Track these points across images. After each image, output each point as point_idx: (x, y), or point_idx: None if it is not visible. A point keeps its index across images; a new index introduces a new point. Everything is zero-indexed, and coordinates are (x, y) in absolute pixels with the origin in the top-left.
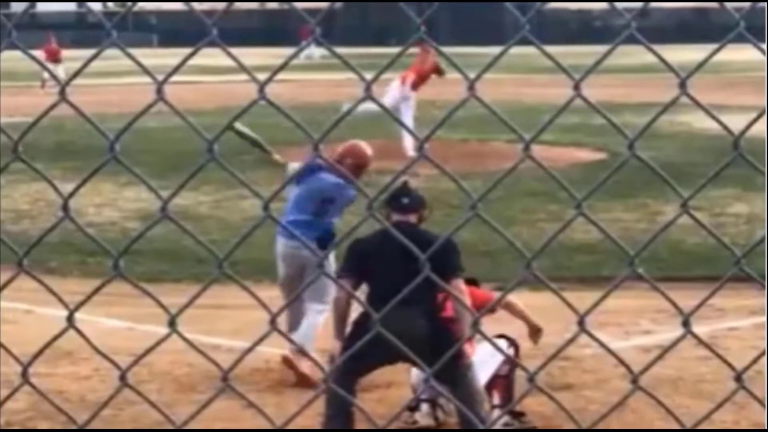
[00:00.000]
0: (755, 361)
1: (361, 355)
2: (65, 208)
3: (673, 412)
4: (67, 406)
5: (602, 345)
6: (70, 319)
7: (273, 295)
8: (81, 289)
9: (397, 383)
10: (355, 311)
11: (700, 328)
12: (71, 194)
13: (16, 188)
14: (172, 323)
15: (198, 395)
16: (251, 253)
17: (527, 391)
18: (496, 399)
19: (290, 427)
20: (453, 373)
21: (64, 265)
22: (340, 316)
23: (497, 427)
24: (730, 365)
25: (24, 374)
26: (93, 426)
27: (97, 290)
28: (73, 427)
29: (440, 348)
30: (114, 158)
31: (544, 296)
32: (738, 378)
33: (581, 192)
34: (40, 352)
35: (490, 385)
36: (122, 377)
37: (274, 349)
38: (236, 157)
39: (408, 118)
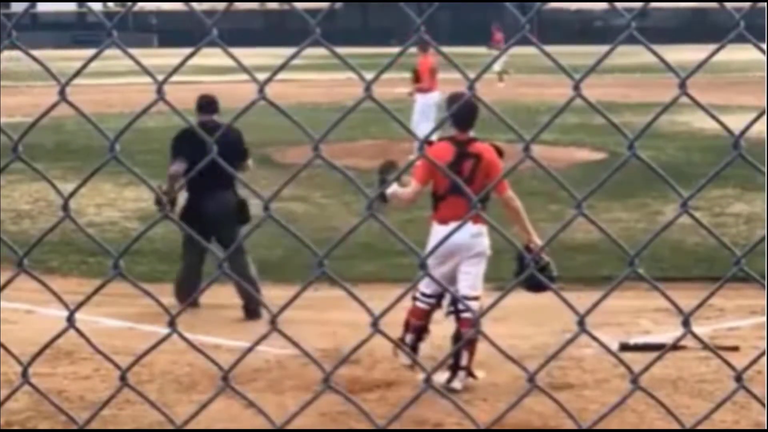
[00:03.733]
0: (755, 361)
1: (193, 226)
2: (65, 208)
3: (673, 412)
4: (67, 406)
5: (602, 345)
6: (70, 319)
7: (273, 295)
8: (81, 289)
9: (397, 383)
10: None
11: (700, 328)
12: (71, 194)
13: (16, 188)
14: (172, 323)
15: (198, 395)
16: (251, 253)
17: (527, 390)
18: (464, 360)
19: (290, 427)
20: (231, 238)
21: (64, 265)
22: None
23: (458, 386)
24: (730, 365)
25: (24, 374)
26: (93, 426)
27: (97, 290)
28: (73, 427)
29: (239, 220)
30: (114, 158)
31: (544, 296)
32: (738, 378)
33: (581, 192)
34: (40, 352)
35: (459, 346)
36: (122, 377)
37: (274, 349)
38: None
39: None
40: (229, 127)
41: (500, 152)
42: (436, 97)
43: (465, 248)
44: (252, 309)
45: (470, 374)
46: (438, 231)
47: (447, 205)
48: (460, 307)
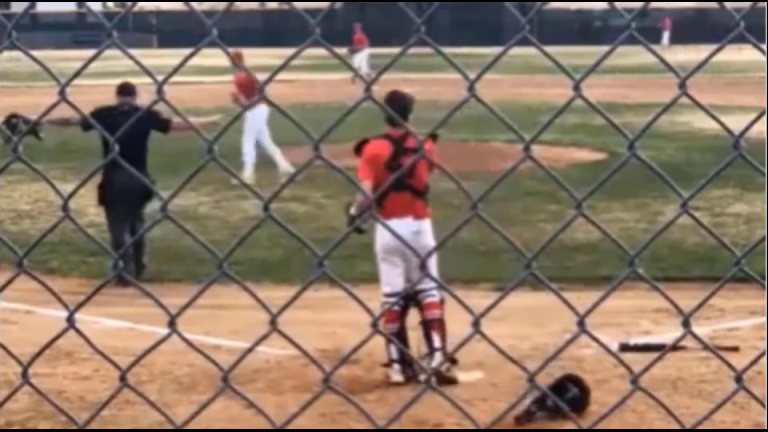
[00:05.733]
0: (755, 361)
1: (112, 204)
2: (65, 208)
3: (673, 412)
4: (67, 406)
5: (602, 345)
6: (70, 319)
7: (273, 295)
8: (81, 289)
9: (397, 383)
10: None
11: (700, 328)
12: (71, 194)
13: (16, 188)
14: (172, 323)
15: (198, 395)
16: (251, 253)
17: (527, 390)
18: (437, 341)
19: (290, 427)
20: (140, 213)
21: (64, 265)
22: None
23: (441, 369)
24: (730, 365)
25: (24, 374)
26: (93, 426)
27: (97, 290)
28: (73, 428)
29: (150, 194)
30: (114, 158)
31: (544, 296)
32: (738, 378)
33: (581, 192)
34: (40, 352)
35: (428, 329)
36: (122, 377)
37: (274, 350)
38: (236, 157)
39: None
40: (144, 111)
41: (435, 138)
42: (264, 113)
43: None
44: (139, 263)
45: (450, 360)
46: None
47: (390, 202)
48: (420, 296)
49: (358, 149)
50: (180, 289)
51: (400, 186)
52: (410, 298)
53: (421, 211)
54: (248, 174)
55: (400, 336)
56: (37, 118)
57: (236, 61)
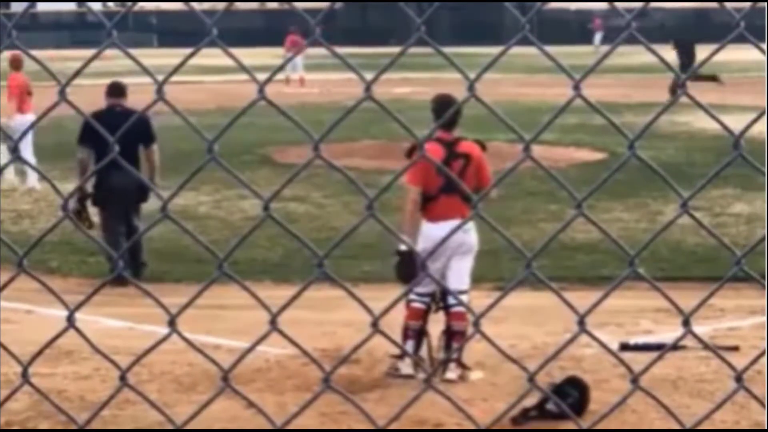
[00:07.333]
0: (755, 360)
1: (108, 204)
2: (65, 208)
3: (673, 412)
4: (67, 406)
5: (602, 345)
6: (70, 319)
7: (273, 295)
8: (81, 289)
9: (397, 383)
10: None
11: (700, 328)
12: (71, 194)
13: (16, 188)
14: (172, 323)
15: (198, 395)
16: (251, 253)
17: (527, 391)
18: (455, 353)
19: (290, 427)
20: (137, 210)
21: (64, 265)
22: (84, 169)
23: (452, 376)
24: (730, 365)
25: (24, 374)
26: (93, 426)
27: (97, 290)
28: (73, 427)
29: (144, 195)
30: (114, 158)
31: (544, 296)
32: (738, 378)
33: (581, 192)
34: (40, 352)
35: (450, 339)
36: (122, 377)
37: (274, 349)
38: (236, 157)
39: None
40: (135, 112)
41: (484, 147)
42: (29, 119)
43: (455, 244)
44: (138, 265)
45: (462, 365)
46: (429, 229)
47: (439, 205)
48: (450, 301)
49: (411, 152)
50: (180, 289)
51: (451, 189)
52: (435, 296)
53: (467, 213)
54: (32, 179)
55: (420, 335)
56: (37, 118)
57: (18, 65)
